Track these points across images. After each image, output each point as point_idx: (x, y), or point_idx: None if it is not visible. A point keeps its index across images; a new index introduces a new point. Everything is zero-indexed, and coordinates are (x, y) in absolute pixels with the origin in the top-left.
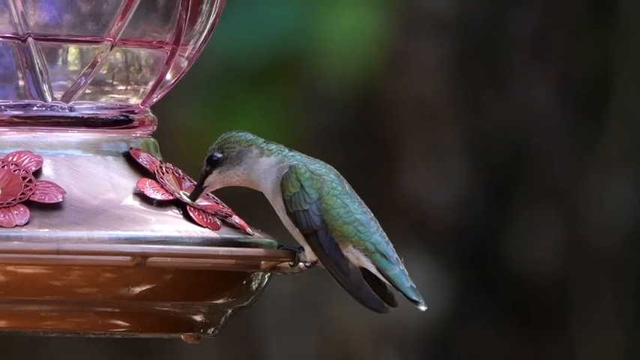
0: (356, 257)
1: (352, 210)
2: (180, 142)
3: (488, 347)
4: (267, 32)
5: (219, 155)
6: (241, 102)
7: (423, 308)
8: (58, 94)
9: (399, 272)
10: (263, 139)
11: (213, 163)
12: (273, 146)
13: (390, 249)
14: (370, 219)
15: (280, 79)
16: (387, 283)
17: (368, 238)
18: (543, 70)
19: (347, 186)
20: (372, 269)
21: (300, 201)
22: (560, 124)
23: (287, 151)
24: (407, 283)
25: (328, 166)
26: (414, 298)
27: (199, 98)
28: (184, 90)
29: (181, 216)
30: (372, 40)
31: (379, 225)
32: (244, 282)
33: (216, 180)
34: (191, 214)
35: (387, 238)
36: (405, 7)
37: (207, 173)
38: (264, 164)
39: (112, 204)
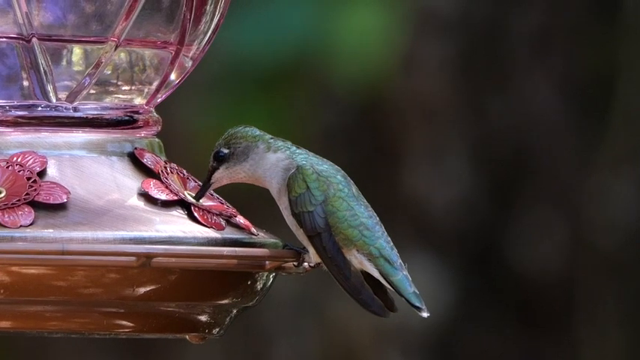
0: (359, 261)
1: (358, 213)
2: (184, 142)
3: (491, 347)
4: (277, 34)
5: (226, 151)
6: (248, 102)
7: (425, 315)
8: (63, 95)
9: (402, 278)
10: (270, 135)
11: (220, 159)
12: (280, 142)
13: (394, 254)
14: (375, 223)
15: (287, 80)
16: (390, 288)
17: (372, 243)
18: (547, 69)
19: (354, 188)
20: (375, 274)
21: (305, 202)
22: (563, 123)
23: (294, 148)
24: (410, 289)
25: (336, 167)
26: (417, 304)
27: (204, 98)
28: (189, 90)
29: (186, 216)
30: (379, 42)
31: (384, 229)
32: (249, 282)
33: (222, 176)
34: (196, 214)
35: (391, 243)
36: (411, 8)
37: (214, 169)
38: (271, 160)
39: (116, 204)
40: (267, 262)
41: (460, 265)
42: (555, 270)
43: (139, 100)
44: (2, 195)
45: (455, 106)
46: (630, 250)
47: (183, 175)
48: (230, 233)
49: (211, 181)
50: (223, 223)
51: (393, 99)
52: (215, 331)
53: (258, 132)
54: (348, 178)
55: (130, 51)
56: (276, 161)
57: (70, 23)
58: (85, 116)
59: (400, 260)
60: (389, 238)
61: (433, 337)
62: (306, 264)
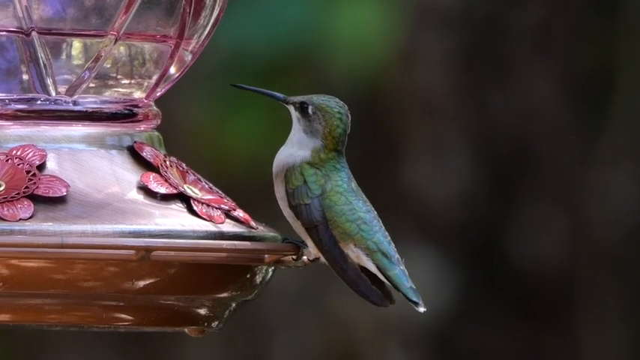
0: (356, 255)
1: (356, 208)
2: (184, 135)
3: (491, 341)
4: (276, 28)
5: (310, 113)
6: (247, 96)
7: (421, 310)
8: (62, 88)
9: (400, 272)
10: (338, 145)
11: (301, 109)
12: (330, 163)
13: (391, 249)
14: (373, 217)
15: (286, 74)
16: (387, 282)
17: (370, 237)
18: (547, 64)
19: (353, 184)
20: (373, 268)
21: (302, 195)
22: (563, 118)
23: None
24: (407, 284)
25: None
26: (413, 299)
27: (204, 92)
28: (189, 84)
29: (185, 210)
30: (378, 36)
31: (382, 224)
32: (248, 275)
33: (292, 112)
34: (195, 207)
35: (389, 238)
36: (410, 1)
37: (294, 105)
38: (301, 151)
39: (116, 198)
40: (266, 256)
41: (461, 260)
42: (556, 264)
43: (138, 94)
44: (1, 188)
45: (455, 101)
46: (630, 245)
47: (183, 168)
48: (229, 227)
49: (287, 100)
50: (223, 216)
51: (393, 93)
52: (214, 324)
53: (341, 131)
54: (350, 174)
55: (130, 45)
56: (297, 150)
57: (69, 17)
58: (84, 110)
59: (397, 255)
60: (387, 233)
61: (433, 331)
62: (305, 257)
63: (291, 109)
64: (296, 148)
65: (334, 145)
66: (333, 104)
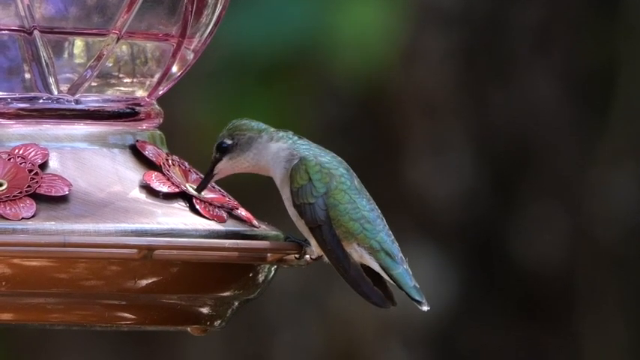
0: (360, 255)
1: (360, 206)
2: (186, 134)
3: (491, 341)
4: (277, 27)
5: (230, 142)
6: (249, 95)
7: (425, 308)
8: (64, 87)
9: (403, 271)
10: (273, 128)
11: (224, 150)
12: (281, 133)
13: (395, 248)
14: (377, 216)
15: (288, 73)
16: (390, 281)
17: (373, 236)
18: (548, 63)
19: (356, 181)
20: (376, 267)
21: (307, 194)
22: (564, 117)
23: (296, 138)
24: (410, 283)
25: (338, 158)
26: (417, 298)
27: (206, 91)
28: (191, 82)
29: (188, 208)
30: (380, 35)
31: (386, 222)
32: (251, 274)
33: (226, 167)
34: (197, 206)
35: (392, 237)
36: (412, 2)
37: (217, 160)
38: (273, 149)
39: (118, 196)
40: (268, 255)
41: (461, 259)
42: (556, 263)
43: (140, 93)
44: (4, 187)
45: (456, 99)
46: (631, 245)
47: (185, 167)
48: (232, 225)
49: (214, 172)
50: (225, 215)
51: (394, 92)
52: (217, 323)
53: (262, 125)
54: (351, 170)
55: (132, 43)
56: (277, 150)
57: (71, 15)
58: (86, 108)
59: (401, 254)
60: (390, 232)
61: (435, 330)
62: (307, 256)
63: (224, 160)
64: (279, 166)
65: (268, 130)
66: (233, 121)
